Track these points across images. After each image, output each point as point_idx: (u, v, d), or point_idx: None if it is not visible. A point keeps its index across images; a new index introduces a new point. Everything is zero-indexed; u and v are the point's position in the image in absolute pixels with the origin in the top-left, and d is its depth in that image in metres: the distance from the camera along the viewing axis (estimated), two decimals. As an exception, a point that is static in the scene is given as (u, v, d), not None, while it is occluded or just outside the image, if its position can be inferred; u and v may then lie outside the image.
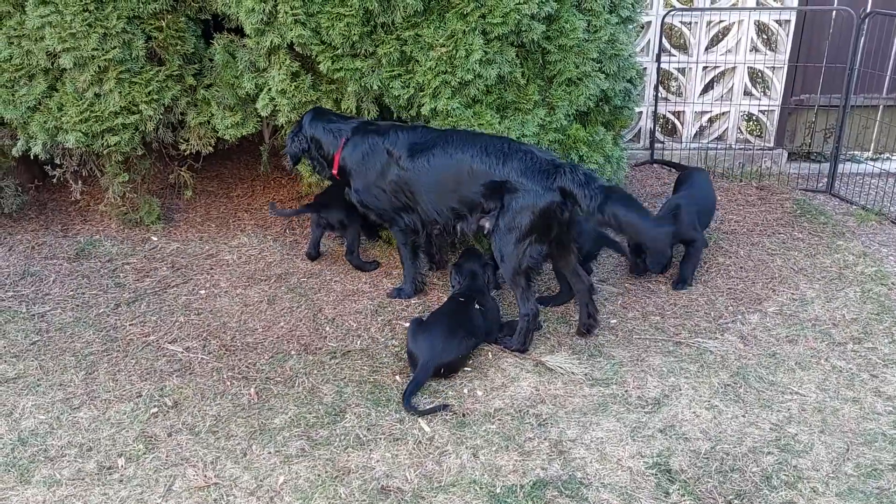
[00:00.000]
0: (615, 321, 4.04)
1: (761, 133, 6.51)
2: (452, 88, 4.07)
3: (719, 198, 5.81)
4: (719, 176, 6.28)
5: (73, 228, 5.16)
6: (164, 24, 4.35)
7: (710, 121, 6.52)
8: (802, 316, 4.09)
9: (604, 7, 4.31)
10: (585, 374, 3.53)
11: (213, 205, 5.49)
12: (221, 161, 5.97)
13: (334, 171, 4.11)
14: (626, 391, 3.42)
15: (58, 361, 3.65)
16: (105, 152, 4.55)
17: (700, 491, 2.84)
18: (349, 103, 4.31)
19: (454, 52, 3.99)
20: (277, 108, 4.29)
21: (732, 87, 6.29)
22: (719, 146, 6.44)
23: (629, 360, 3.67)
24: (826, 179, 6.07)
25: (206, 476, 2.87)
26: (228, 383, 3.47)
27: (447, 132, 3.92)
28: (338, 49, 4.07)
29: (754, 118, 6.55)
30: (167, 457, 2.98)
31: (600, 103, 4.69)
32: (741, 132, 6.47)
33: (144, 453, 3.00)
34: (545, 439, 3.09)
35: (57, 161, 4.70)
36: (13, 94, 4.37)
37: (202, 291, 4.33)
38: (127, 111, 4.39)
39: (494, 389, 3.43)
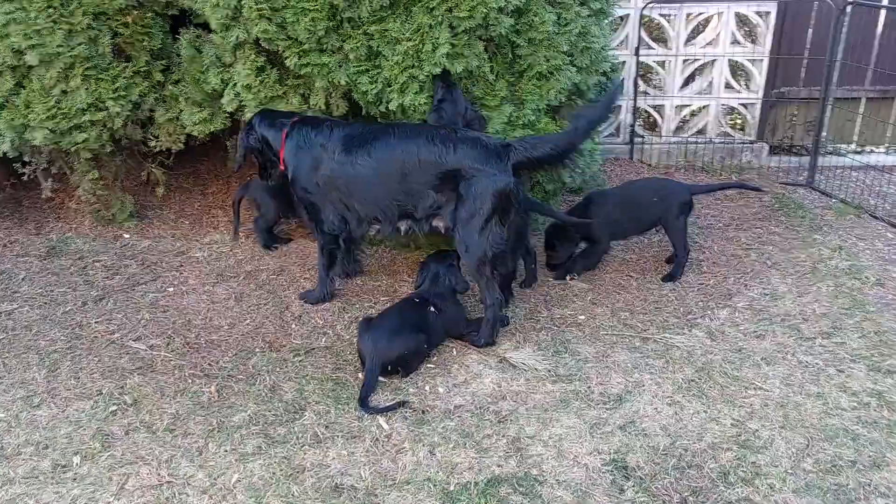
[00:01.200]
0: (583, 317, 4.02)
1: (742, 126, 6.48)
2: (420, 83, 4.04)
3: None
4: (699, 170, 6.26)
5: (46, 226, 5.14)
6: (130, 20, 4.33)
7: (692, 114, 6.49)
8: (772, 311, 4.07)
9: (574, 0, 4.27)
10: (549, 371, 3.51)
11: (188, 202, 5.46)
12: (198, 157, 5.93)
13: (282, 167, 4.06)
14: (588, 387, 3.40)
15: (21, 359, 3.63)
16: (73, 150, 4.52)
17: (656, 487, 2.82)
18: (317, 99, 4.29)
19: (420, 46, 3.95)
20: (243, 103, 4.27)
21: (713, 80, 6.26)
22: (700, 140, 6.41)
23: (594, 356, 3.65)
24: (806, 173, 6.04)
25: (159, 475, 2.85)
26: (189, 381, 3.45)
27: (388, 125, 3.92)
28: (304, 44, 4.04)
29: (735, 111, 6.51)
30: (122, 455, 2.97)
31: (572, 97, 4.66)
32: (722, 125, 6.44)
33: (100, 451, 2.99)
34: (503, 436, 3.07)
35: (26, 159, 4.68)
36: (-20, 91, 4.35)
37: (170, 289, 4.32)
38: (94, 108, 4.37)
39: (456, 386, 3.41)
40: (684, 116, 6.50)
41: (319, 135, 3.89)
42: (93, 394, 3.36)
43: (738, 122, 6.56)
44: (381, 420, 3.16)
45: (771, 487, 2.82)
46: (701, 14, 6.07)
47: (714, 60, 6.18)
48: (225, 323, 3.95)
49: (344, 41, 4.06)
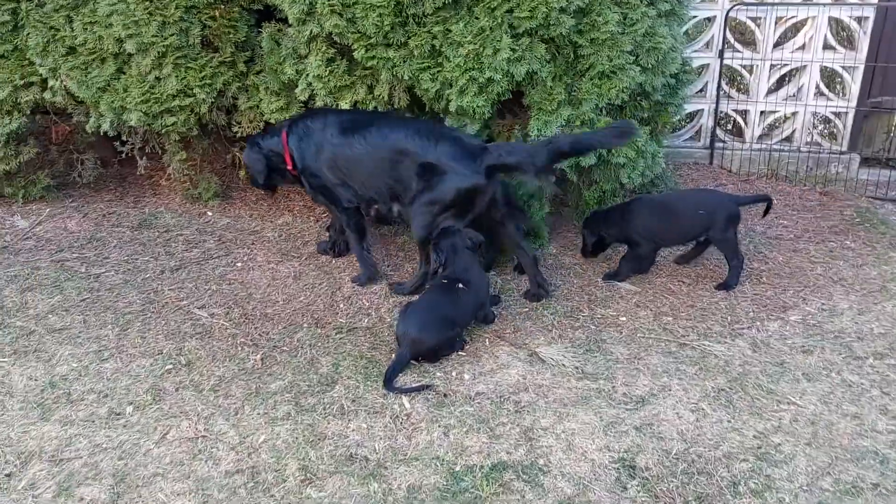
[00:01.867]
0: (624, 318, 4.02)
1: (833, 136, 6.18)
2: (479, 85, 4.16)
3: (777, 201, 5.62)
4: (782, 179, 6.03)
5: (142, 200, 5.62)
6: (218, 13, 4.67)
7: (779, 121, 6.25)
8: (826, 327, 3.93)
9: (640, 0, 4.26)
10: (576, 368, 3.56)
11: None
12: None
13: (290, 168, 4.30)
14: (612, 387, 3.42)
15: (99, 317, 4.04)
16: (164, 131, 4.93)
17: (660, 490, 2.83)
18: (382, 90, 4.48)
19: (482, 49, 4.07)
20: (315, 92, 4.52)
21: (803, 86, 6.01)
22: (785, 148, 6.17)
23: (626, 357, 3.66)
24: (899, 188, 5.71)
25: (196, 429, 3.14)
26: (239, 348, 3.74)
27: (381, 113, 4.25)
28: (371, 38, 4.24)
29: (826, 120, 6.22)
30: (169, 409, 3.28)
31: (637, 98, 4.64)
32: (811, 134, 6.17)
33: (151, 404, 3.31)
34: (517, 425, 3.16)
35: (124, 138, 5.15)
36: (86, 76, 4.81)
37: (239, 264, 4.65)
38: (183, 94, 4.75)
39: (482, 374, 3.52)
40: (771, 122, 6.27)
41: (317, 121, 4.23)
42: (154, 353, 3.70)
43: (827, 131, 6.26)
44: (405, 399, 3.32)
45: (780, 501, 2.77)
46: (792, 17, 5.83)
47: (804, 66, 5.93)
48: (281, 298, 4.23)
49: (409, 37, 4.22)
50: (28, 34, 4.84)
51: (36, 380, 3.48)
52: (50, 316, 4.01)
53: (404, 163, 3.99)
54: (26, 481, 2.83)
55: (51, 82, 4.97)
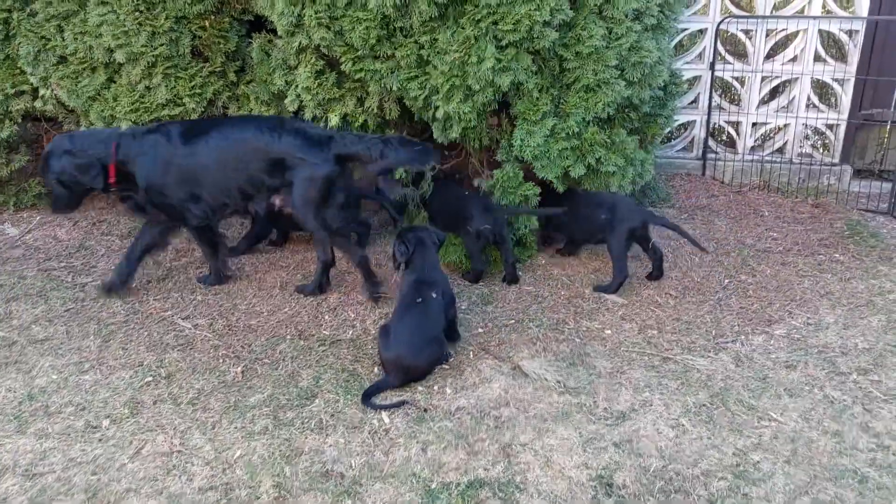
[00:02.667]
0: (609, 331, 4.00)
1: (826, 148, 6.17)
2: (465, 93, 4.16)
3: (766, 214, 5.62)
4: (774, 190, 6.02)
5: (132, 209, 5.62)
6: (208, 23, 4.68)
7: (771, 133, 6.24)
8: (811, 342, 3.90)
9: (626, 15, 4.25)
10: (558, 382, 3.54)
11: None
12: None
13: (112, 181, 4.12)
14: (594, 402, 3.41)
15: (83, 328, 4.03)
16: (153, 140, 4.94)
17: (637, 508, 2.81)
18: (372, 102, 4.48)
19: (466, 58, 4.07)
20: (304, 103, 4.52)
21: (794, 98, 6.00)
22: (778, 160, 6.16)
23: (609, 371, 3.64)
24: (891, 200, 5.69)
25: (172, 443, 3.12)
26: (220, 360, 3.73)
27: (221, 118, 4.25)
28: (359, 51, 4.25)
29: (818, 132, 6.20)
30: (146, 422, 3.26)
31: (626, 110, 4.64)
32: (802, 146, 6.15)
33: (127, 417, 3.29)
34: (496, 441, 3.14)
35: (114, 147, 5.15)
36: (77, 85, 4.82)
37: (227, 273, 4.63)
38: (173, 103, 4.76)
39: (464, 388, 3.51)
40: (763, 134, 6.26)
41: (158, 134, 4.14)
42: (135, 364, 3.70)
43: (825, 143, 6.25)
44: (384, 414, 3.30)
45: (757, 521, 2.75)
46: (783, 30, 5.83)
47: (796, 78, 5.92)
48: (265, 309, 4.22)
49: (396, 49, 4.23)
50: (19, 43, 4.87)
51: (14, 392, 3.47)
52: (33, 326, 4.01)
53: (254, 161, 4.02)
54: (-1, 495, 2.82)
55: (42, 91, 5.00)
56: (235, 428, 3.22)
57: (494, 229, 4.43)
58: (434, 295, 3.61)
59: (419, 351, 3.51)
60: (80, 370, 3.65)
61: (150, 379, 3.57)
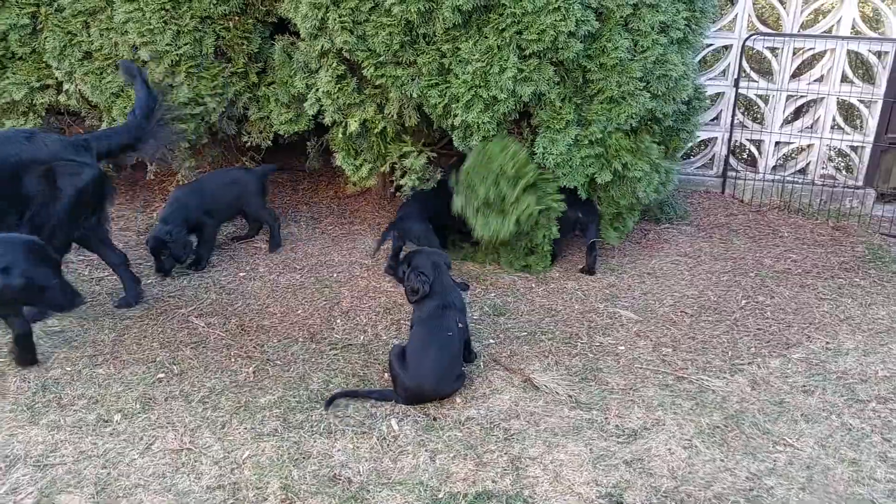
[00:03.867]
0: (623, 348, 3.96)
1: (849, 170, 6.10)
2: (485, 102, 4.15)
3: (786, 234, 5.56)
4: (794, 211, 5.95)
5: (151, 205, 5.66)
6: (232, 24, 4.71)
7: (794, 153, 6.18)
8: (830, 367, 3.84)
9: (652, 27, 4.22)
10: (570, 396, 3.50)
11: (279, 195, 5.84)
12: (296, 155, 6.30)
13: None
14: (605, 418, 3.37)
15: (98, 322, 4.05)
16: (174, 138, 4.96)
17: (646, 528, 2.77)
18: (392, 108, 4.49)
19: (488, 67, 4.06)
20: (323, 107, 4.53)
21: (819, 118, 5.94)
22: (799, 180, 6.09)
23: (621, 388, 3.60)
24: (914, 225, 5.61)
25: (182, 441, 3.12)
26: (232, 360, 3.73)
27: None
28: (381, 56, 4.25)
29: (842, 153, 6.14)
30: (157, 419, 3.26)
31: (649, 123, 4.60)
32: (825, 167, 6.09)
33: (139, 412, 3.30)
34: (505, 454, 3.11)
35: (135, 143, 5.18)
36: (101, 81, 4.86)
37: (241, 273, 4.65)
38: (194, 102, 4.78)
39: (474, 399, 3.48)
40: (786, 154, 6.20)
41: None
42: (148, 360, 3.70)
43: (849, 165, 6.18)
44: (393, 421, 3.28)
45: (769, 547, 2.70)
46: (810, 49, 5.78)
47: (821, 98, 5.86)
48: (278, 311, 4.22)
49: (418, 55, 4.23)
50: (46, 38, 4.91)
51: (28, 382, 3.49)
52: (49, 318, 4.03)
53: (23, 175, 3.71)
54: (9, 486, 2.82)
55: (66, 85, 5.04)
56: (245, 428, 3.21)
57: (585, 217, 4.62)
58: (459, 325, 3.51)
59: (444, 383, 3.42)
60: (94, 363, 3.66)
61: (163, 375, 3.58)
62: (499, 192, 4.25)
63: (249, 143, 5.14)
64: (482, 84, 4.10)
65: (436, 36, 4.17)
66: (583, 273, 4.79)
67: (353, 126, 4.54)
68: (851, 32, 5.68)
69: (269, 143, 5.12)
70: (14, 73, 5.05)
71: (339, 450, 3.10)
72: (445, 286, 3.60)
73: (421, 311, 3.55)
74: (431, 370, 3.37)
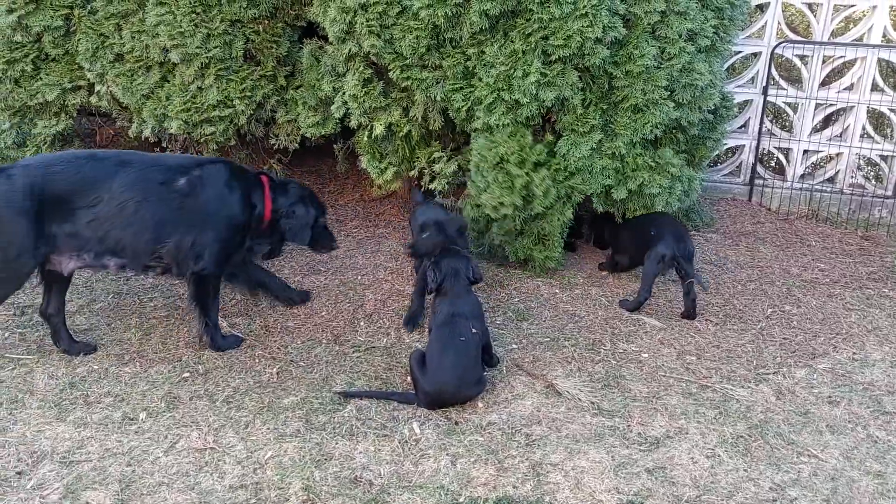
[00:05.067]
0: (647, 355, 3.94)
1: (878, 179, 6.01)
2: (507, 106, 4.15)
3: (813, 243, 5.49)
4: (822, 220, 5.88)
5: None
6: (261, 28, 4.76)
7: (822, 161, 6.11)
8: (856, 378, 3.79)
9: (680, 35, 4.20)
10: (592, 403, 3.49)
11: (303, 197, 5.87)
12: (322, 158, 6.35)
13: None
14: (628, 425, 3.35)
15: (125, 321, 4.11)
16: (203, 140, 5.02)
17: (668, 537, 2.75)
18: (417, 111, 4.51)
19: (512, 71, 4.07)
20: (350, 111, 4.57)
21: (849, 127, 5.86)
22: (828, 189, 6.02)
23: (644, 395, 3.58)
24: (946, 236, 5.52)
25: (206, 440, 3.15)
26: (256, 360, 3.76)
27: None
28: (407, 59, 4.28)
29: (872, 163, 6.06)
30: (181, 417, 3.30)
31: (673, 132, 4.58)
32: (854, 176, 6.01)
33: (164, 411, 3.34)
34: (526, 459, 3.10)
35: (164, 144, 5.26)
36: (132, 82, 4.93)
37: (266, 275, 4.69)
38: (223, 105, 4.84)
39: (496, 403, 3.48)
40: (814, 162, 6.13)
41: None
42: (173, 359, 3.75)
43: (879, 174, 6.09)
44: (415, 424, 3.29)
45: (792, 560, 2.67)
46: (840, 57, 5.71)
47: (851, 107, 5.79)
48: (302, 312, 4.25)
49: (444, 59, 4.25)
50: (79, 39, 5.00)
51: (57, 379, 3.55)
52: (77, 316, 4.10)
53: None
54: (35, 481, 2.87)
55: (98, 87, 5.12)
56: (268, 429, 3.24)
57: (682, 255, 4.22)
58: (474, 331, 3.49)
59: (464, 387, 3.42)
60: (121, 362, 3.71)
61: (188, 375, 3.62)
62: (506, 173, 4.23)
63: (277, 146, 5.19)
64: (505, 87, 4.11)
65: (462, 40, 4.19)
66: (683, 318, 4.32)
67: (379, 129, 4.57)
68: (882, 41, 5.61)
69: (297, 145, 5.17)
70: (47, 74, 5.15)
71: (360, 452, 3.11)
72: (457, 293, 3.60)
73: (436, 316, 3.58)
74: (450, 375, 3.38)
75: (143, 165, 3.66)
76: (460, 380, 3.41)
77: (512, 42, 4.08)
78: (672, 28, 4.17)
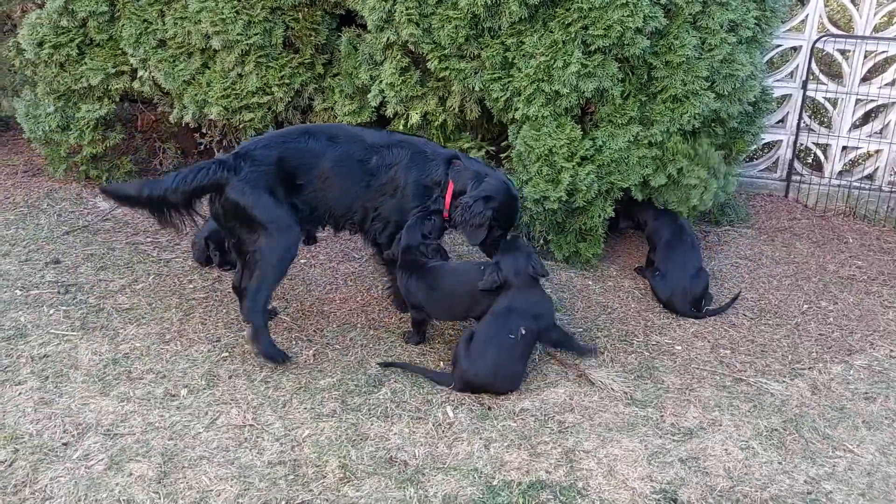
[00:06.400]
0: (680, 347, 3.94)
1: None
2: (547, 97, 4.16)
3: (850, 241, 5.43)
4: (860, 217, 5.80)
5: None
6: (301, 15, 4.81)
7: (861, 158, 6.03)
8: (893, 375, 3.76)
9: (721, 25, 4.18)
10: (625, 393, 3.50)
11: (337, 185, 5.93)
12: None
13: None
14: (661, 416, 3.36)
15: (165, 301, 4.19)
16: (241, 127, 5.10)
17: (701, 526, 2.76)
18: (454, 101, 4.54)
19: (552, 62, 4.08)
20: (386, 99, 4.60)
21: (889, 123, 5.77)
22: (866, 186, 5.93)
23: (677, 387, 3.58)
24: None
25: (245, 417, 3.22)
26: (293, 342, 3.83)
27: None
28: (446, 49, 4.30)
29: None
30: (221, 395, 3.37)
31: (712, 124, 4.55)
32: (893, 174, 5.91)
33: (204, 388, 3.41)
34: (559, 445, 3.13)
35: (204, 130, 5.34)
36: (173, 68, 5.02)
37: (302, 261, 4.75)
38: (262, 92, 4.91)
39: (529, 391, 3.51)
40: (853, 159, 6.05)
41: None
42: (213, 339, 3.82)
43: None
44: (449, 408, 3.33)
45: (827, 552, 2.67)
46: (883, 52, 5.62)
47: (893, 103, 5.70)
48: (338, 297, 4.31)
49: (482, 49, 4.27)
50: (123, 25, 5.08)
51: (100, 355, 3.64)
52: (119, 295, 4.19)
53: None
54: (81, 452, 2.96)
55: (140, 72, 5.21)
56: (305, 408, 3.30)
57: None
58: (523, 331, 3.46)
59: (499, 381, 3.46)
60: (163, 340, 3.79)
61: (227, 354, 3.69)
62: (551, 165, 4.24)
63: (313, 133, 5.23)
64: (545, 78, 4.12)
65: (501, 30, 4.20)
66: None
67: (415, 118, 4.60)
68: (928, 35, 5.52)
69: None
70: (92, 59, 5.24)
71: (395, 433, 3.16)
72: (519, 287, 3.54)
73: (495, 306, 3.56)
74: (487, 366, 3.43)
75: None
76: (494, 375, 3.45)
77: (552, 32, 4.08)
78: (713, 18, 4.15)
